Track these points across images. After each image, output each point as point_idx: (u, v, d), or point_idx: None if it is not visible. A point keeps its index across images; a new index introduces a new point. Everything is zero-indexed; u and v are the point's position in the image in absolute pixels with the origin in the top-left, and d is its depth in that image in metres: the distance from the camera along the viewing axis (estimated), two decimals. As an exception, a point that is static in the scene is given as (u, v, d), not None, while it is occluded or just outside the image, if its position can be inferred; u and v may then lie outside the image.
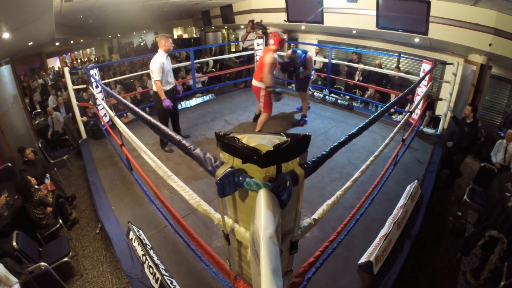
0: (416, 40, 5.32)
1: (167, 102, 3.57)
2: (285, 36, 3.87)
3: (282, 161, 0.93)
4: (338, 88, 7.13)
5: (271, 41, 3.83)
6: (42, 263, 2.50)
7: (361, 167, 1.96)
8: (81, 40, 12.76)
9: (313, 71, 4.58)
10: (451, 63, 4.33)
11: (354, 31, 6.33)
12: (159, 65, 3.48)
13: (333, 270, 2.23)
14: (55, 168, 4.81)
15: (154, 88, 3.62)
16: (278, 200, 0.90)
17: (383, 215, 2.73)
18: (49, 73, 10.92)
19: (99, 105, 4.30)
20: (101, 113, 4.40)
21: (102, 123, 4.37)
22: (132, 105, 1.92)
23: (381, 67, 6.52)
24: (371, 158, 2.08)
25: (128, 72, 8.77)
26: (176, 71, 7.68)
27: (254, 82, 3.98)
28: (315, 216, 1.42)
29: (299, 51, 4.27)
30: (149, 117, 1.57)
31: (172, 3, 8.88)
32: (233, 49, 11.83)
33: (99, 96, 4.13)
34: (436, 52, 5.60)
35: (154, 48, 13.84)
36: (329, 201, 1.56)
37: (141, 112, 1.73)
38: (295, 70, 4.30)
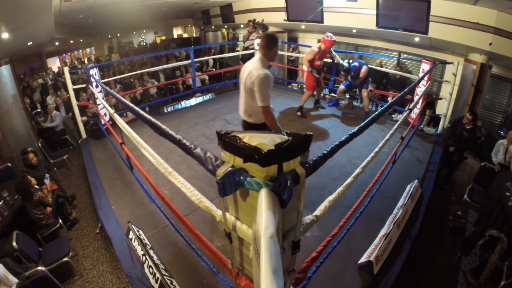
0: (416, 39, 5.32)
1: None
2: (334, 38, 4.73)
3: (283, 160, 0.93)
4: (338, 88, 7.11)
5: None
6: (40, 268, 2.47)
7: (362, 164, 1.96)
8: (81, 40, 12.73)
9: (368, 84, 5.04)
10: (451, 63, 4.33)
11: (354, 31, 6.33)
12: (271, 81, 2.26)
13: (334, 269, 2.23)
14: (55, 168, 4.80)
15: (260, 118, 2.36)
16: (279, 200, 0.89)
17: (383, 215, 2.73)
18: (48, 73, 10.90)
19: (99, 104, 4.30)
20: (102, 112, 4.39)
21: (103, 123, 4.37)
22: (131, 104, 1.92)
23: (381, 67, 6.51)
24: (371, 155, 2.08)
25: (127, 71, 8.74)
26: (174, 71, 7.68)
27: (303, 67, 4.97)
28: (317, 212, 1.42)
29: (355, 63, 4.86)
30: (148, 116, 1.57)
31: (172, 2, 8.86)
32: (238, 49, 11.78)
33: (99, 95, 4.12)
34: (436, 52, 5.59)
35: (154, 48, 13.82)
36: (331, 197, 1.55)
37: (141, 111, 1.72)
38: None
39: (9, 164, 4.43)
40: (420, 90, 4.31)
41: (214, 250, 1.55)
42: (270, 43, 2.29)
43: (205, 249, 1.61)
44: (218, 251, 1.55)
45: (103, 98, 4.26)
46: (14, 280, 2.34)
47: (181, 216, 1.83)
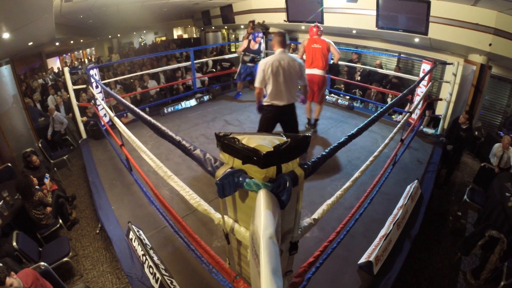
0: (416, 40, 5.32)
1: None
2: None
3: (282, 161, 0.93)
4: (338, 88, 7.13)
5: (319, 32, 4.06)
6: (42, 263, 2.50)
7: (361, 167, 1.96)
8: (81, 40, 12.75)
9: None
10: (451, 63, 4.33)
11: (354, 31, 6.33)
12: None
13: (333, 270, 2.23)
14: (55, 168, 4.81)
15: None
16: (278, 201, 0.90)
17: (383, 215, 2.73)
18: (49, 73, 10.92)
19: (99, 105, 4.30)
20: (101, 113, 4.39)
21: (102, 123, 4.37)
22: (132, 106, 1.93)
23: (381, 67, 6.52)
24: (370, 158, 2.08)
25: (127, 72, 8.75)
26: (175, 71, 7.68)
27: (319, 72, 4.01)
28: (315, 216, 1.42)
29: None
30: (148, 118, 1.58)
31: (172, 3, 8.87)
32: (233, 49, 11.81)
33: (99, 97, 4.13)
34: (436, 52, 5.60)
35: (154, 49, 13.83)
36: (329, 201, 1.56)
37: (141, 113, 1.73)
38: None
39: (9, 164, 4.44)
40: (421, 90, 4.31)
41: (212, 254, 1.55)
42: (285, 39, 2.93)
43: (204, 254, 1.61)
44: (216, 255, 1.55)
45: (102, 99, 4.27)
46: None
47: (180, 220, 1.84)
